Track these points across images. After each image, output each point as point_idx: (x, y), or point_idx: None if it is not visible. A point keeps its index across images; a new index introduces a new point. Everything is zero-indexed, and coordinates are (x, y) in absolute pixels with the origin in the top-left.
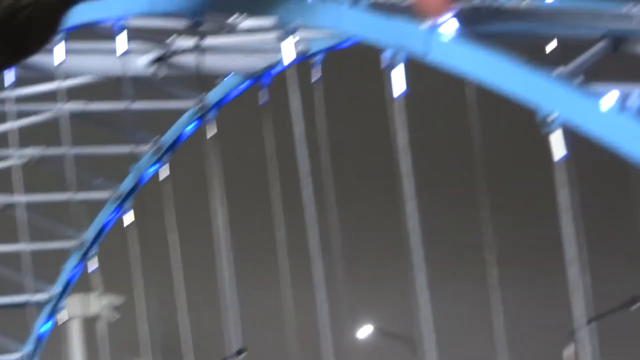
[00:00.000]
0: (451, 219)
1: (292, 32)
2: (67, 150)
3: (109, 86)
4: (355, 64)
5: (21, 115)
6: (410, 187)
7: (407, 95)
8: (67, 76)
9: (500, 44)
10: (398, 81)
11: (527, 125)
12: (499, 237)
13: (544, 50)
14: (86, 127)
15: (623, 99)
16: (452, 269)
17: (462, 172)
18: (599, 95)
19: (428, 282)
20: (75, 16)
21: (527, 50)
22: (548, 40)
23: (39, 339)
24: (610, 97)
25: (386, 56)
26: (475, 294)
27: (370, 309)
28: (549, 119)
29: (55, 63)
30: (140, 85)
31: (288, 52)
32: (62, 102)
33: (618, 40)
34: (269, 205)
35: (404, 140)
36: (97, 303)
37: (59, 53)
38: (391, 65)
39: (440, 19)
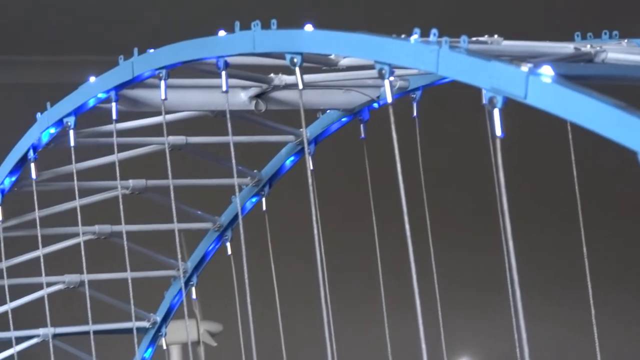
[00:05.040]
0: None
1: (391, 72)
2: (169, 182)
3: (209, 120)
4: (455, 99)
5: (125, 148)
6: (507, 222)
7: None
8: (169, 111)
9: (598, 87)
10: (497, 122)
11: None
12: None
13: None
14: (186, 159)
15: None
16: (550, 294)
17: (561, 205)
18: None
19: (528, 313)
20: (179, 54)
21: (627, 93)
22: None
23: None
24: None
25: (485, 97)
26: (575, 319)
27: (467, 341)
28: None
29: (159, 98)
30: (241, 120)
31: (388, 89)
32: (164, 136)
33: None
34: (367, 237)
35: (503, 179)
36: (197, 330)
37: (162, 89)
38: (491, 105)
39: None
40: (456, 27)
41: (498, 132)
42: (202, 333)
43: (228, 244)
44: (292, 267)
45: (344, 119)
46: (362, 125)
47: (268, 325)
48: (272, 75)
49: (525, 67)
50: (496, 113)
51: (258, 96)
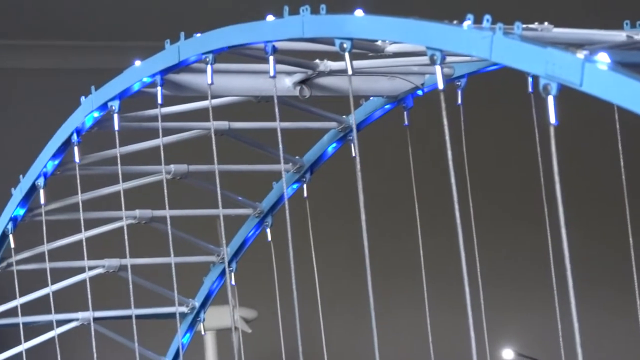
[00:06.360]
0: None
1: (443, 58)
2: (213, 167)
3: (246, 106)
4: (499, 87)
5: (168, 132)
6: (561, 212)
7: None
8: (215, 96)
9: None
10: (551, 110)
11: None
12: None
13: None
14: (221, 145)
15: None
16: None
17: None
18: None
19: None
20: (226, 38)
21: None
22: None
23: (179, 350)
24: None
25: (540, 84)
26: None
27: (511, 332)
28: None
29: (205, 83)
30: (284, 105)
31: (437, 76)
32: (210, 120)
33: None
34: (412, 225)
35: (556, 167)
36: (232, 316)
37: (209, 74)
38: (545, 92)
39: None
40: (502, 13)
41: (552, 119)
42: (237, 319)
43: (268, 230)
44: (332, 255)
45: (387, 106)
46: (405, 113)
47: (308, 313)
48: (317, 61)
49: (581, 54)
50: (550, 100)
51: (302, 82)
